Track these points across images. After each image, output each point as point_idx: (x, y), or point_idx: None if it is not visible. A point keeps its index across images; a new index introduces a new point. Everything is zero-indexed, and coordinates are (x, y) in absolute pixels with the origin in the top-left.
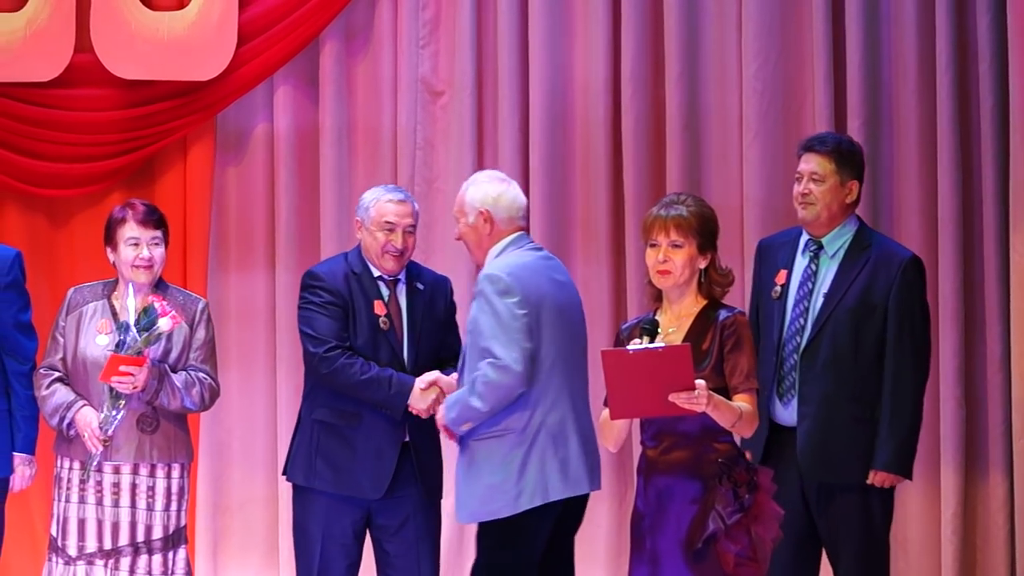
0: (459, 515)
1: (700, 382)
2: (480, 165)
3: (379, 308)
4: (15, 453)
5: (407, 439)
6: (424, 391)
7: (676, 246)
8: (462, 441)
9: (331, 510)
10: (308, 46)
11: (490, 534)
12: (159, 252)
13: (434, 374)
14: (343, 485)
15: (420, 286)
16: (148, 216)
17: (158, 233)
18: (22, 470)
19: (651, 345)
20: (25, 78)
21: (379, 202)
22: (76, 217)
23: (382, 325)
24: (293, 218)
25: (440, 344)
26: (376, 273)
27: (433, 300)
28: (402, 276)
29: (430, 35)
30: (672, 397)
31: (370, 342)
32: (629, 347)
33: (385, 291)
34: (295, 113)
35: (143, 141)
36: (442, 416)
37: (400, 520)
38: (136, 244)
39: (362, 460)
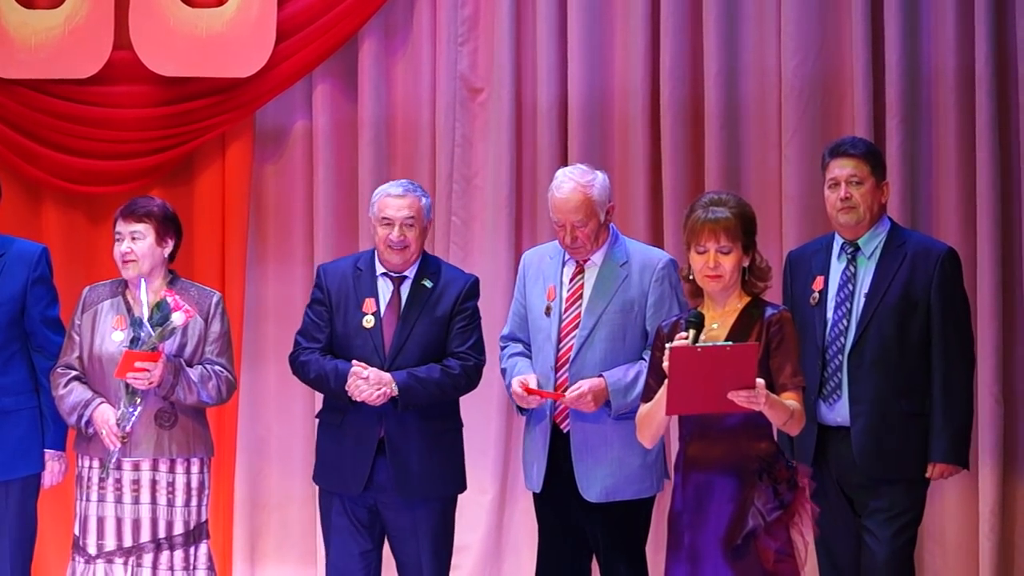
0: (591, 492)
1: (760, 381)
2: (519, 162)
3: (368, 306)
4: (46, 450)
5: (382, 435)
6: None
7: (725, 252)
8: (579, 419)
9: (338, 503)
10: (347, 43)
11: (642, 513)
12: (141, 246)
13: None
14: (333, 482)
15: (428, 283)
16: (131, 210)
17: (139, 227)
18: (52, 466)
19: (720, 343)
20: (64, 75)
21: (380, 198)
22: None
23: (365, 324)
24: (331, 215)
25: (436, 339)
26: (381, 270)
27: (441, 298)
28: (411, 272)
29: (469, 32)
30: (732, 395)
31: (349, 338)
32: (698, 344)
33: (387, 287)
34: (334, 110)
35: (182, 138)
36: (597, 393)
37: (401, 517)
38: (120, 239)
39: (347, 456)
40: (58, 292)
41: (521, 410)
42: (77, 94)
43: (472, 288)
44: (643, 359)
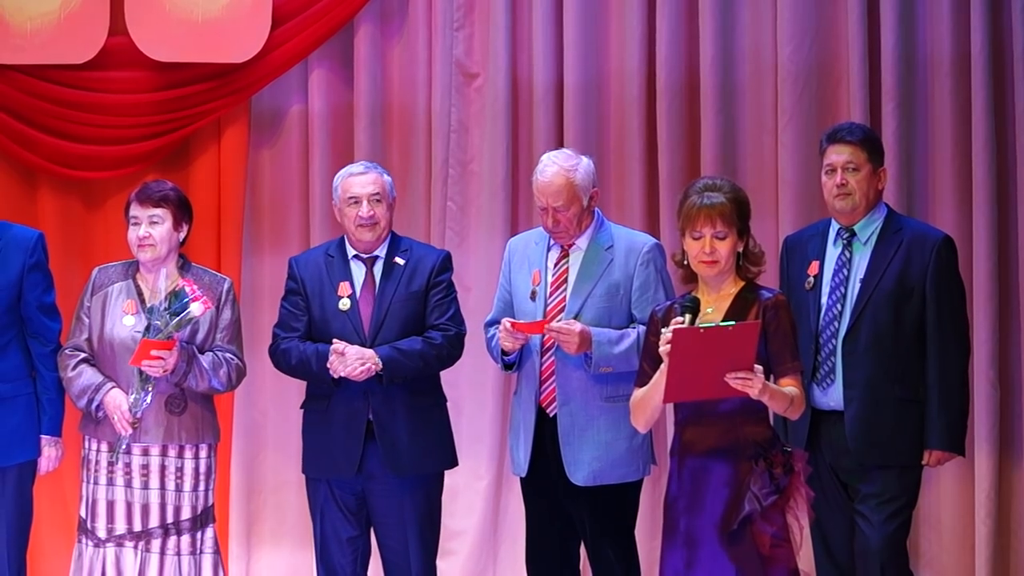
0: (578, 476)
1: (758, 367)
2: (514, 147)
3: (343, 289)
4: (42, 435)
5: (370, 417)
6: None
7: (721, 237)
8: (566, 403)
9: (326, 489)
10: (343, 28)
11: (628, 497)
12: (159, 231)
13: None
14: (324, 468)
15: (400, 260)
16: (147, 194)
17: (158, 212)
18: (48, 452)
19: (722, 323)
20: (60, 60)
21: (343, 180)
22: (110, 199)
23: (341, 307)
24: (327, 200)
25: (414, 315)
26: (352, 253)
27: (414, 274)
28: (382, 252)
29: (465, 17)
30: (728, 377)
31: (328, 322)
32: (700, 325)
33: (360, 270)
34: (329, 95)
35: (177, 123)
36: (583, 336)
37: (389, 503)
38: (137, 223)
39: (336, 440)
40: (54, 277)
41: (506, 367)
42: (73, 79)
43: (445, 261)
44: (631, 327)
